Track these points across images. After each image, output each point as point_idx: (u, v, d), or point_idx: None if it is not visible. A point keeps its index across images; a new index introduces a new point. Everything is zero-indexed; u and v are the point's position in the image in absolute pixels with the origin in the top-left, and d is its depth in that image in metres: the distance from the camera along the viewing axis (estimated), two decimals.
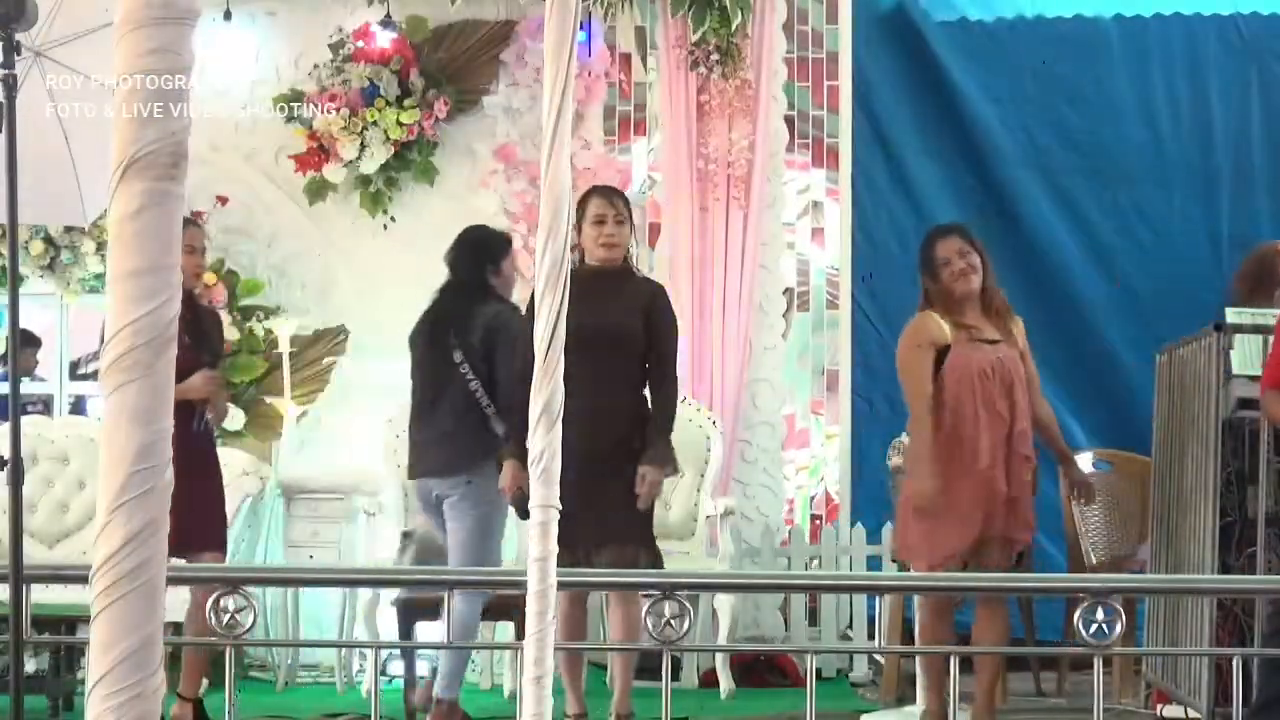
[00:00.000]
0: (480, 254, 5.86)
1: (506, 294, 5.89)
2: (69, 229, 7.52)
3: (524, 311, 5.60)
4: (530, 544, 1.89)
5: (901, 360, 5.64)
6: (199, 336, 5.72)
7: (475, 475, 5.63)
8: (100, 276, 7.67)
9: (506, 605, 5.91)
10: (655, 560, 5.46)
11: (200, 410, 5.70)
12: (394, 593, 6.38)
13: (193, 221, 5.95)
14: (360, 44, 7.69)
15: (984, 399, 5.46)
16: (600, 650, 7.17)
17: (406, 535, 6.10)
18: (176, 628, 6.54)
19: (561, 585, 1.98)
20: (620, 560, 5.21)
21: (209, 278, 7.52)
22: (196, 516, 5.60)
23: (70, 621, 6.23)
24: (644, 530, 5.42)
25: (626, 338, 5.40)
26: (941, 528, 5.50)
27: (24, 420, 4.72)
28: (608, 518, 5.15)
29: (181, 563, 5.49)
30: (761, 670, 7.10)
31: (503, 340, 5.60)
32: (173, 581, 1.71)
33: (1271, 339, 5.19)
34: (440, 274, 7.80)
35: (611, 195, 5.66)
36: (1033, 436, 5.60)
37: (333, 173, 7.66)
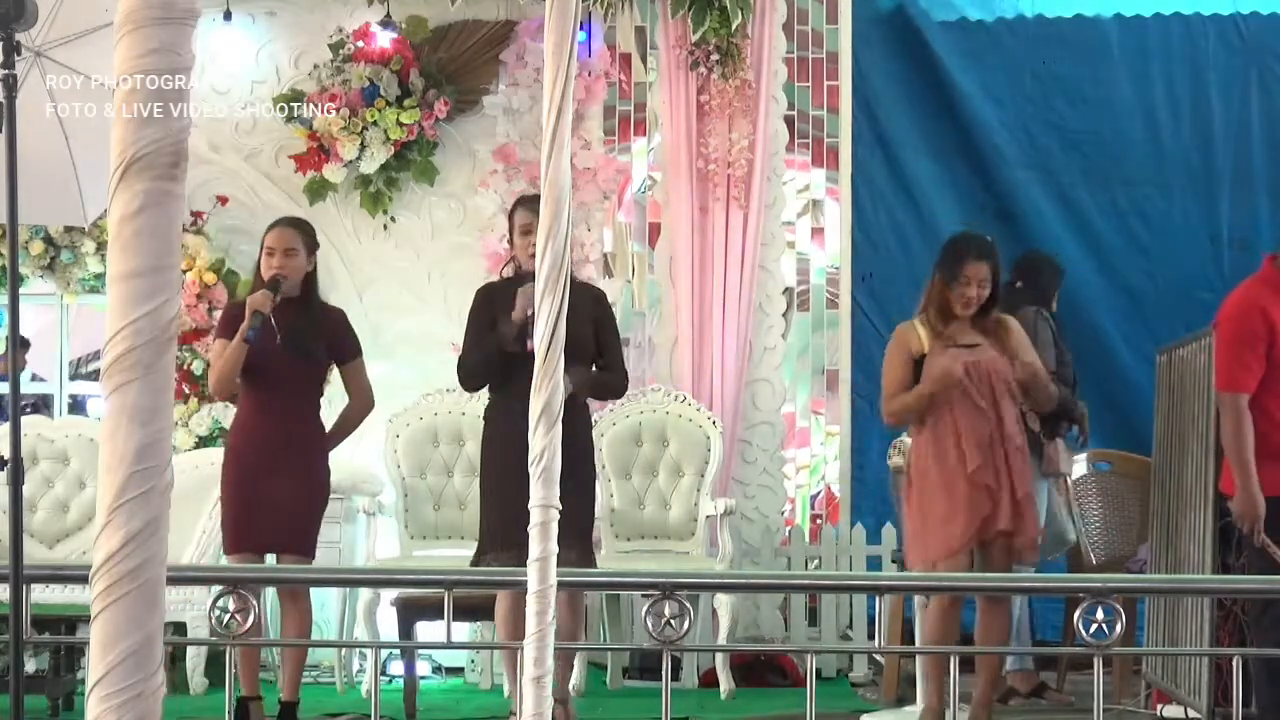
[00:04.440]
0: (1040, 275, 6.74)
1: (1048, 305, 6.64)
2: (69, 229, 7.51)
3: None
4: (530, 544, 1.89)
5: (884, 366, 5.81)
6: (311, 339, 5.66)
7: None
8: (100, 276, 7.67)
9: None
10: (588, 560, 5.50)
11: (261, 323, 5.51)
12: (394, 593, 6.39)
13: (289, 221, 5.89)
14: (360, 44, 7.69)
15: (961, 399, 5.50)
16: (601, 650, 7.18)
17: None
18: (178, 628, 6.56)
19: (562, 585, 1.98)
20: (564, 558, 5.24)
21: (209, 278, 7.53)
22: (285, 511, 5.56)
23: (70, 621, 6.23)
24: (584, 530, 5.50)
25: (576, 346, 5.41)
26: (934, 529, 5.55)
27: (24, 420, 4.72)
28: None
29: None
30: (761, 670, 7.09)
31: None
32: (173, 581, 1.71)
33: None
34: (439, 274, 7.85)
35: (534, 204, 5.69)
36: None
37: (333, 173, 7.65)
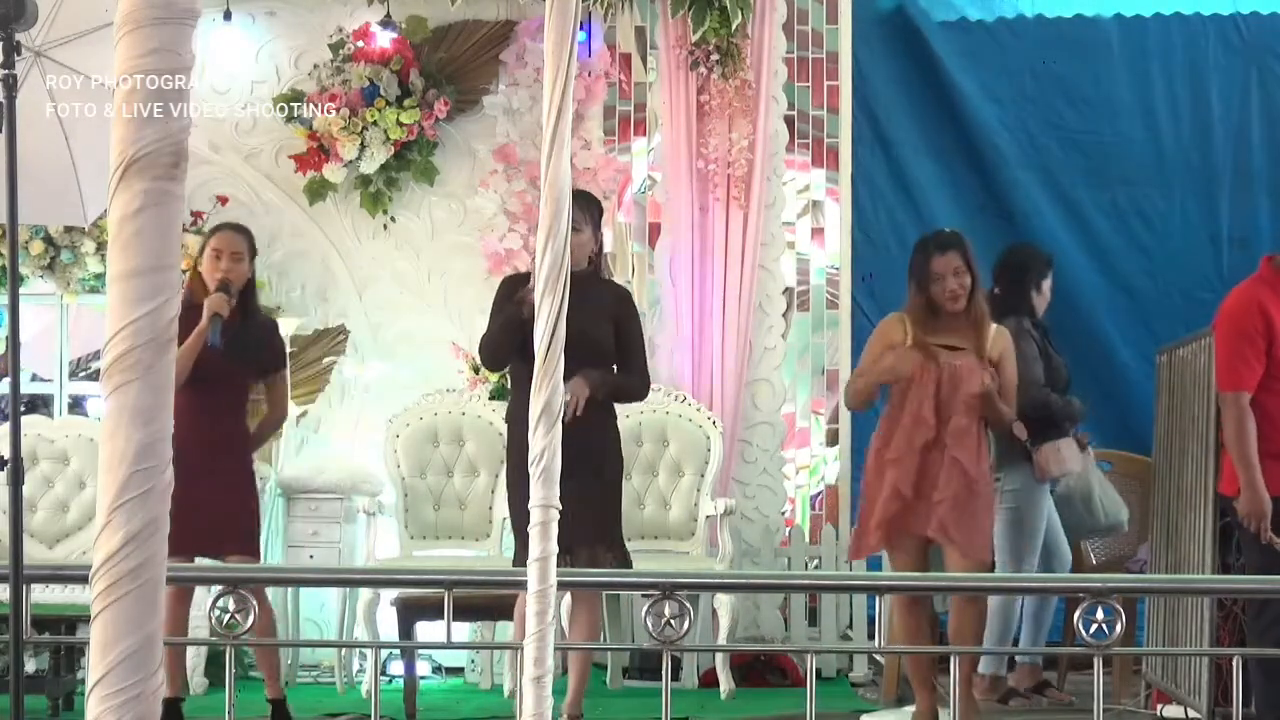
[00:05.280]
0: (1024, 274, 6.54)
1: (1041, 308, 6.54)
2: (69, 229, 7.51)
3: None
4: (530, 544, 1.89)
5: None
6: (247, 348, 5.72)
7: (1006, 473, 6.13)
8: (100, 276, 7.66)
9: (506, 606, 5.91)
10: (624, 560, 5.46)
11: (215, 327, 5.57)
12: (394, 593, 6.39)
13: (235, 227, 5.94)
14: (360, 44, 7.69)
15: (911, 403, 5.58)
16: (603, 650, 7.17)
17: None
18: None
19: (562, 585, 1.98)
20: (590, 562, 5.20)
21: None
22: (226, 513, 5.59)
23: (70, 621, 6.23)
24: (613, 531, 5.46)
25: (595, 344, 5.36)
26: (863, 519, 5.72)
27: (24, 420, 4.72)
28: (575, 519, 5.14)
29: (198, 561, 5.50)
30: (761, 670, 7.09)
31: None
32: (173, 581, 1.71)
33: None
34: (439, 274, 7.85)
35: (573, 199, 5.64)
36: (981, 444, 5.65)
37: (333, 173, 7.65)
